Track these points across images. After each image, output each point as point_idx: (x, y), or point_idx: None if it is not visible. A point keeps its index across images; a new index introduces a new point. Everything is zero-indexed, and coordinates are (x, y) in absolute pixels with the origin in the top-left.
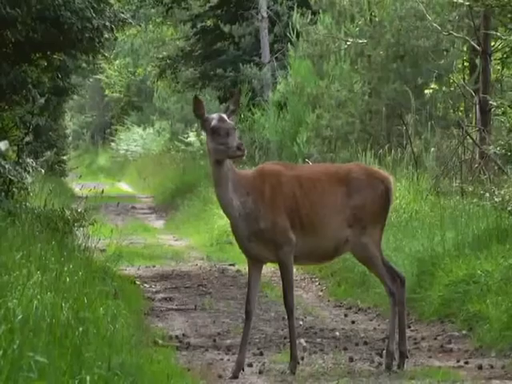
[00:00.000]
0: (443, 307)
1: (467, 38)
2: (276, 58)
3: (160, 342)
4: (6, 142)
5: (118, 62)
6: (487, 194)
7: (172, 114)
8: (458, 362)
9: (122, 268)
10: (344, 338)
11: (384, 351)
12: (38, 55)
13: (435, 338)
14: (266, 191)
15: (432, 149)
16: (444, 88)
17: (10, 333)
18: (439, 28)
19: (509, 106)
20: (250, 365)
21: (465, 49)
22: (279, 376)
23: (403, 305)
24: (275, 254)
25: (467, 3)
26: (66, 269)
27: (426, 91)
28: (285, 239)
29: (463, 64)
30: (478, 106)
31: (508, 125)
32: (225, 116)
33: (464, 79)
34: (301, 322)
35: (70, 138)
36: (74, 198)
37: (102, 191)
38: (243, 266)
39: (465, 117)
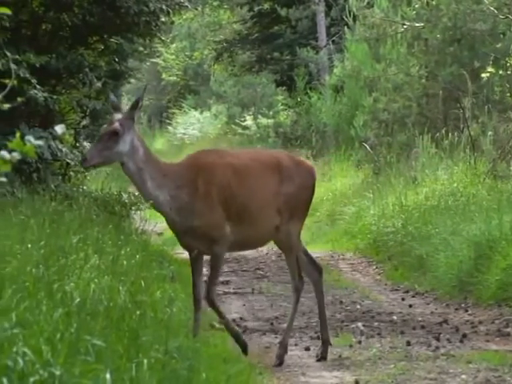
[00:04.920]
0: (500, 291)
1: None
2: (333, 41)
3: (217, 325)
4: (62, 125)
5: (174, 45)
6: None
7: (229, 97)
8: None
9: (179, 251)
10: (401, 322)
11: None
12: (94, 39)
13: (492, 322)
14: (200, 185)
15: (489, 132)
16: (501, 71)
17: (67, 316)
18: (496, 11)
19: None
20: (308, 348)
21: None
22: (337, 360)
23: (322, 294)
24: (210, 248)
25: None
26: (123, 252)
27: (483, 75)
28: (220, 234)
29: None
30: None
31: None
32: (115, 119)
33: None
34: (358, 306)
35: None
36: (130, 182)
37: None
38: None
39: None
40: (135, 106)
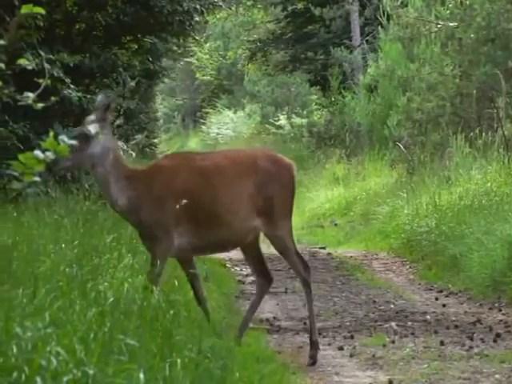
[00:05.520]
0: None
1: None
2: (367, 40)
3: (250, 324)
4: (96, 125)
5: (208, 44)
6: None
7: (262, 97)
8: None
9: None
10: (435, 322)
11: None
12: (128, 38)
13: None
14: (155, 188)
15: None
16: None
17: (100, 315)
18: None
19: None
20: (341, 348)
21: None
22: (370, 359)
23: (311, 294)
24: (153, 248)
25: None
26: None
27: None
28: (164, 236)
29: None
30: None
31: None
32: (88, 121)
33: None
34: (392, 306)
35: (161, 121)
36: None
37: None
38: (334, 250)
39: None
40: (107, 108)
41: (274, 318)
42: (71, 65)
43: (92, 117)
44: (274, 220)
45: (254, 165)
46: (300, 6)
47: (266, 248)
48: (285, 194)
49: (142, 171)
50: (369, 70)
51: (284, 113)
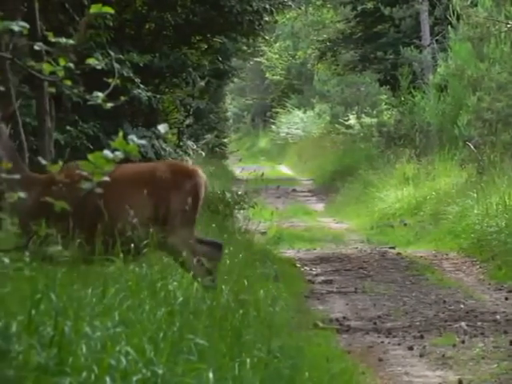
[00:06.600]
0: None
1: None
2: (436, 40)
3: (320, 324)
4: (165, 124)
5: (278, 44)
6: None
7: (332, 96)
8: None
9: (283, 251)
10: (505, 322)
11: None
12: (197, 38)
13: None
14: (31, 199)
15: None
16: None
17: (170, 315)
18: None
19: None
20: (411, 348)
21: None
22: (440, 359)
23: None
24: None
25: None
26: (226, 251)
27: None
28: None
29: None
30: None
31: None
32: None
33: None
34: (462, 306)
35: (231, 121)
36: (234, 181)
37: (262, 174)
38: (404, 249)
39: None
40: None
41: (344, 317)
42: (141, 64)
43: None
44: (170, 228)
45: (152, 176)
46: (370, 5)
47: (334, 248)
48: (184, 202)
49: (40, 179)
50: (438, 70)
51: (354, 112)
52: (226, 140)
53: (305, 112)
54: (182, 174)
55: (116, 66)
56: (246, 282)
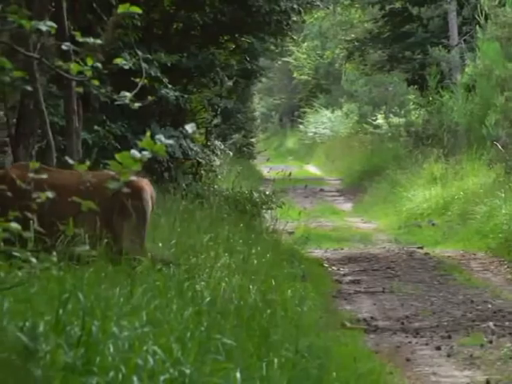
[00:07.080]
0: None
1: None
2: (464, 40)
3: (348, 324)
4: (193, 124)
5: (306, 44)
6: None
7: (360, 96)
8: None
9: (310, 250)
10: None
11: None
12: (225, 38)
13: None
14: None
15: None
16: None
17: (197, 315)
18: None
19: None
20: (439, 348)
21: None
22: (468, 359)
23: None
24: None
25: None
26: (253, 251)
27: None
28: None
29: None
30: None
31: None
32: None
33: None
34: (489, 305)
35: (259, 121)
36: (262, 181)
37: (290, 174)
38: (432, 249)
39: None
40: None
41: (372, 317)
42: (168, 64)
43: None
44: (115, 238)
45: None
46: (398, 5)
47: (362, 248)
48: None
49: None
50: (466, 70)
51: (381, 112)
52: (253, 140)
53: (333, 112)
54: (131, 188)
55: (144, 65)
56: (273, 282)
